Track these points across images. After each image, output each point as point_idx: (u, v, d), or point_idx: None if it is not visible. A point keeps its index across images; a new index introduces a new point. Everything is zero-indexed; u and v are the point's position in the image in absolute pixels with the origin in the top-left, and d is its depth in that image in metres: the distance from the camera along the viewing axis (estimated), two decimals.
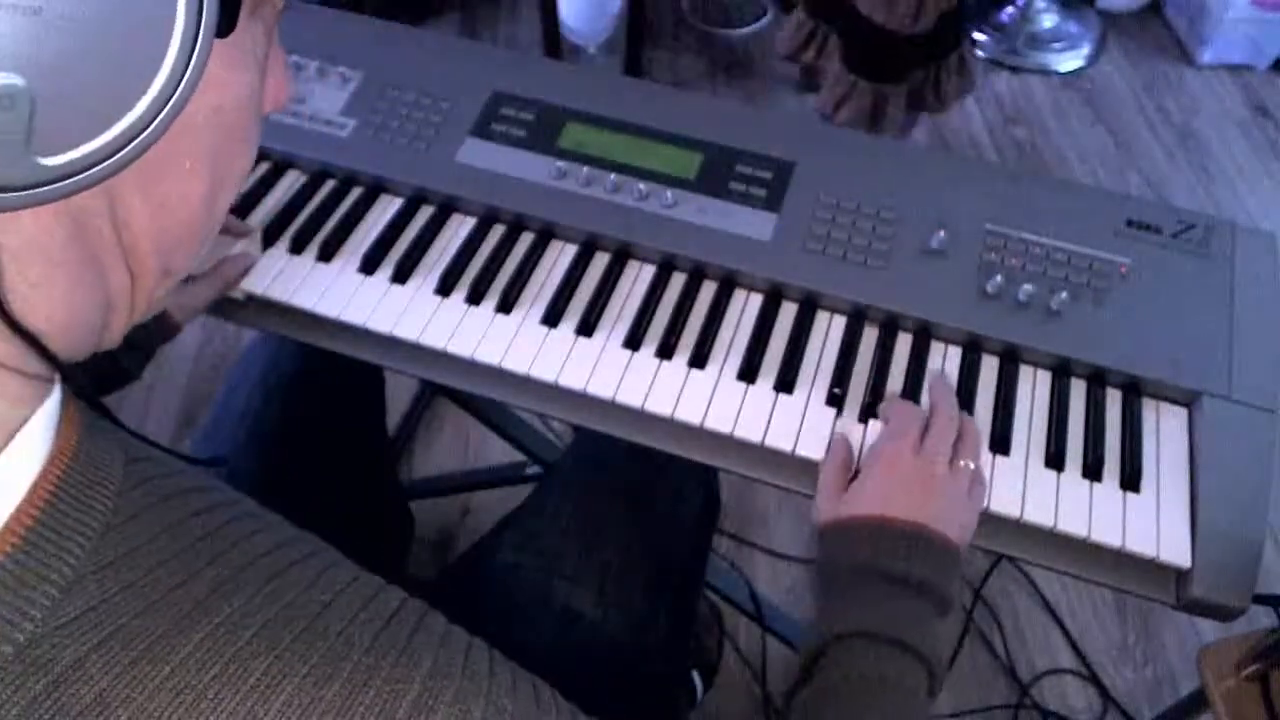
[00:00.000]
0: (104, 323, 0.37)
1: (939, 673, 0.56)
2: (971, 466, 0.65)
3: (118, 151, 0.29)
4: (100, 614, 0.31)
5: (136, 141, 0.30)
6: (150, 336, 0.71)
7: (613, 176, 0.80)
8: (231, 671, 0.32)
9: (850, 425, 0.71)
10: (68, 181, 0.29)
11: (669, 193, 0.79)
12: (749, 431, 0.70)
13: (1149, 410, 0.72)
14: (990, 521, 0.67)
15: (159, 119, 0.30)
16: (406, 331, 0.74)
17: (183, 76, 0.30)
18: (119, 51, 0.28)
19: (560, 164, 0.81)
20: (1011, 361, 0.74)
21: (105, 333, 0.37)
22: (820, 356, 0.74)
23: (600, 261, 0.79)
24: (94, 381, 0.66)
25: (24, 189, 0.28)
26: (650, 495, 0.82)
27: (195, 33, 0.30)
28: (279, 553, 0.36)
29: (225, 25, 0.32)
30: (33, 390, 0.33)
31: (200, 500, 0.36)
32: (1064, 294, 0.73)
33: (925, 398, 0.72)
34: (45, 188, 0.29)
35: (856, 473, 0.66)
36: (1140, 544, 0.65)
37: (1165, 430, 0.71)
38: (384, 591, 0.38)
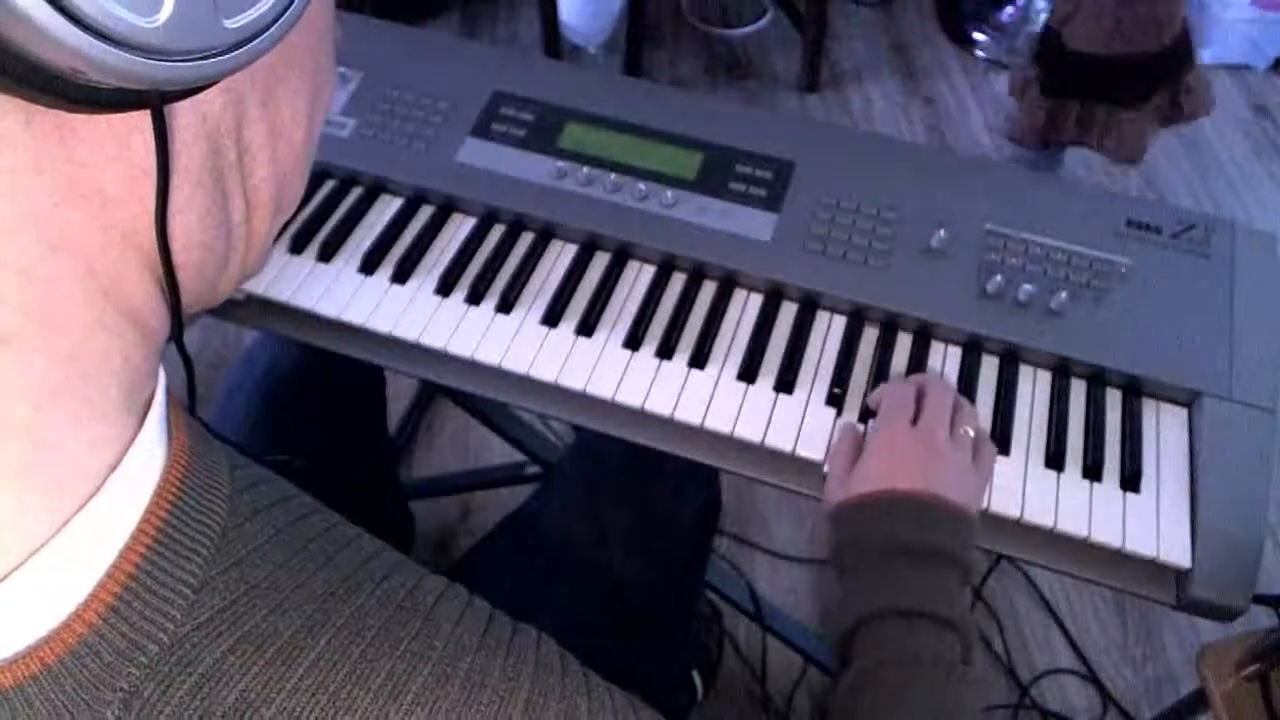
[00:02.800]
0: (224, 262, 0.36)
1: (971, 639, 0.56)
2: (972, 433, 0.65)
3: (282, 13, 0.30)
4: (233, 614, 0.31)
5: (294, 6, 0.30)
6: None
7: (613, 176, 0.80)
8: (360, 672, 0.32)
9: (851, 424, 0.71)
10: (244, 49, 0.29)
11: (669, 193, 0.79)
12: (749, 431, 0.70)
13: (1149, 410, 0.72)
14: (990, 521, 0.67)
15: None
16: (406, 331, 0.74)
17: None
18: None
19: (560, 164, 0.81)
20: (1011, 361, 0.74)
21: (221, 277, 0.37)
22: (820, 356, 0.74)
23: (600, 261, 0.79)
24: None
25: (211, 55, 0.28)
26: (651, 495, 0.82)
27: None
28: (381, 556, 0.36)
29: None
30: (148, 364, 0.33)
31: (299, 505, 0.36)
32: (1064, 294, 0.73)
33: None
34: (228, 54, 0.29)
35: None
36: (1140, 544, 0.65)
37: (1165, 430, 0.71)
38: (475, 598, 0.38)
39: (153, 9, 0.26)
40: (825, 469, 0.68)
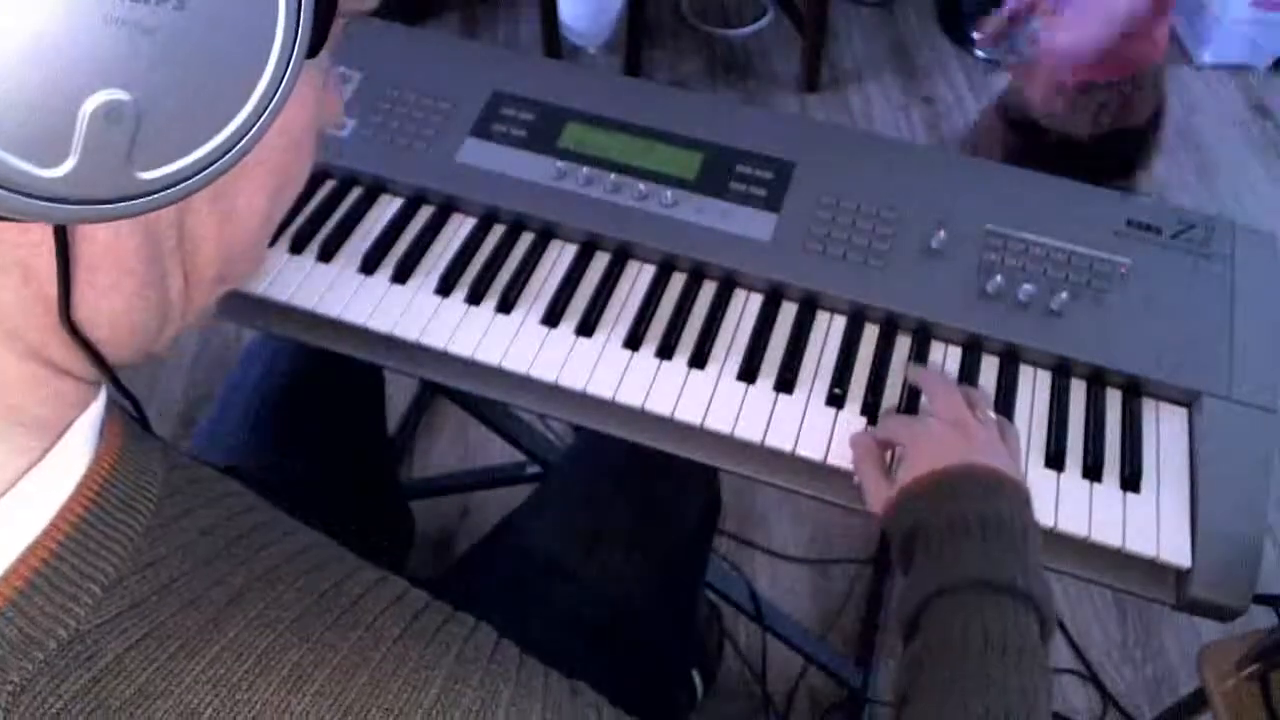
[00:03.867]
0: (159, 330, 0.37)
1: (1048, 611, 0.54)
2: (993, 416, 0.66)
3: (209, 166, 0.30)
4: (140, 612, 0.32)
5: (228, 156, 0.30)
6: None
7: (613, 176, 0.80)
8: (266, 663, 0.32)
9: (850, 426, 0.71)
10: (159, 195, 0.29)
11: (669, 193, 0.79)
12: (749, 431, 0.70)
13: (1149, 410, 0.72)
14: None
15: (250, 135, 0.30)
16: (406, 331, 0.74)
17: (274, 95, 0.30)
18: (220, 70, 0.29)
19: (560, 164, 0.81)
20: (1011, 361, 0.74)
21: (157, 341, 0.38)
22: (820, 356, 0.74)
23: (600, 261, 0.79)
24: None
25: (118, 201, 0.29)
26: (651, 495, 0.82)
27: (290, 54, 0.30)
28: (312, 552, 0.37)
29: (315, 47, 0.32)
30: (81, 393, 0.34)
31: (235, 504, 0.37)
32: (1064, 294, 0.73)
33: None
34: (138, 200, 0.29)
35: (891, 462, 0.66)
36: (1140, 544, 0.65)
37: (1165, 430, 0.71)
38: (412, 590, 0.38)
39: (55, 160, 0.26)
40: (855, 480, 0.67)
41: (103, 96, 0.26)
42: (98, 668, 0.31)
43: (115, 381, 0.36)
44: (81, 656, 0.31)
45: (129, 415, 0.38)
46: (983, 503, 0.57)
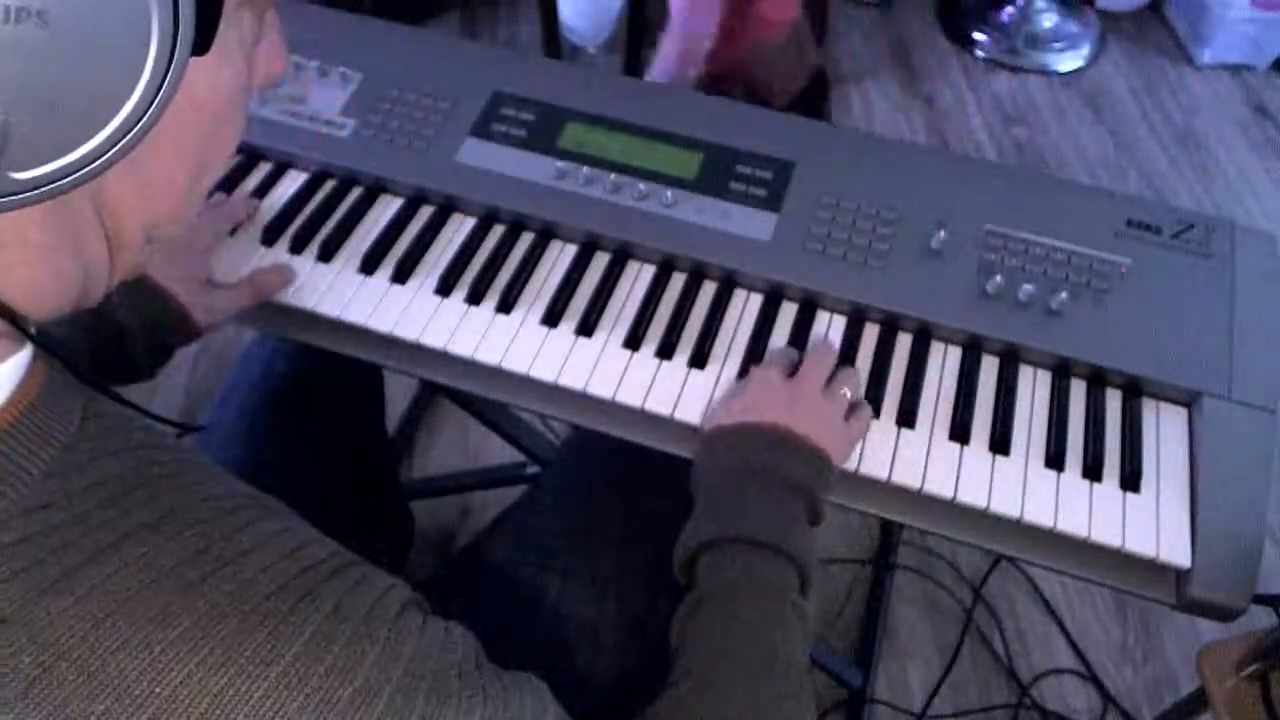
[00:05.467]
0: (81, 289, 0.38)
1: (809, 573, 0.60)
2: (849, 394, 0.69)
3: (90, 164, 0.30)
4: (22, 549, 0.33)
5: (107, 155, 0.31)
6: (170, 337, 0.71)
7: (613, 176, 0.80)
8: (134, 603, 0.33)
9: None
10: (35, 192, 0.30)
11: (669, 193, 0.79)
12: None
13: (1149, 410, 0.72)
14: (990, 521, 0.67)
15: (132, 134, 0.31)
16: (406, 331, 0.74)
17: (157, 93, 0.31)
18: (92, 77, 0.29)
19: (560, 164, 0.81)
20: (1011, 361, 0.74)
21: (83, 297, 0.38)
22: None
23: (600, 261, 0.79)
24: (100, 370, 0.66)
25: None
26: (648, 493, 0.81)
27: (170, 54, 0.30)
28: (218, 503, 0.37)
29: (201, 44, 0.32)
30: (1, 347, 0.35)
31: (151, 455, 0.37)
32: (1064, 294, 0.73)
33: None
34: (12, 197, 0.30)
35: None
36: (1140, 544, 0.65)
37: (1165, 430, 0.71)
38: (313, 545, 0.39)
39: None
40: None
41: None
42: None
43: (30, 336, 0.36)
44: None
45: (65, 365, 0.38)
46: (771, 458, 0.62)
